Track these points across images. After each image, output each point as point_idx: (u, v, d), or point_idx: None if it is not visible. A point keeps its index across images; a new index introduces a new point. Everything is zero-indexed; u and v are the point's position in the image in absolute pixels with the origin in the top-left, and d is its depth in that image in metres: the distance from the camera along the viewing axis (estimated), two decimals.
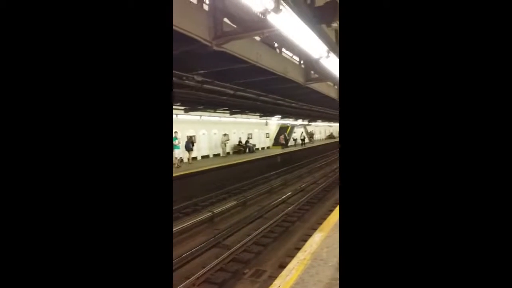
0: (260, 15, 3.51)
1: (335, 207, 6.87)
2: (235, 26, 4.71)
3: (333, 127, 41.16)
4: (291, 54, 8.96)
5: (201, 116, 15.56)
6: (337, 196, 10.29)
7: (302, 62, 8.57)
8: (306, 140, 28.45)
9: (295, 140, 27.27)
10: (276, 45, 7.72)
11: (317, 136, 34.97)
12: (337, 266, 3.35)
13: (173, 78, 6.33)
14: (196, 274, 4.71)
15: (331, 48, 4.55)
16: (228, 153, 18.32)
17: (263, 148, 23.38)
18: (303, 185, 11.87)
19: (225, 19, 4.61)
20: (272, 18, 2.99)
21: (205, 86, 7.39)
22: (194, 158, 15.51)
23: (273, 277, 4.20)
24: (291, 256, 4.49)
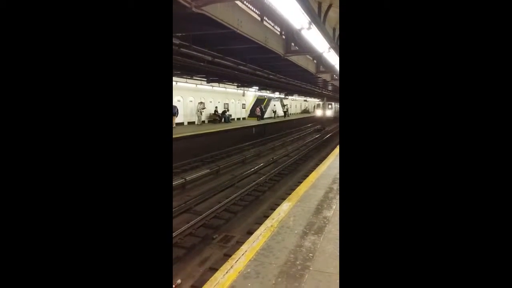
0: None
1: (304, 178, 7.09)
2: None
3: (309, 102, 41.35)
4: (272, 24, 8.76)
5: (176, 82, 15.09)
6: (306, 168, 10.61)
7: (283, 32, 8.41)
8: (281, 113, 28.82)
9: (274, 112, 27.38)
10: (258, 12, 7.50)
11: (292, 110, 35.18)
12: (302, 234, 3.52)
13: None
14: None
15: (313, 20, 4.49)
16: (203, 121, 18.10)
17: (238, 119, 23.29)
18: (276, 157, 12.07)
19: None
20: None
21: (182, 50, 7.11)
22: None
23: (241, 243, 4.35)
24: (260, 223, 4.64)
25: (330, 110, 30.51)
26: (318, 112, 30.40)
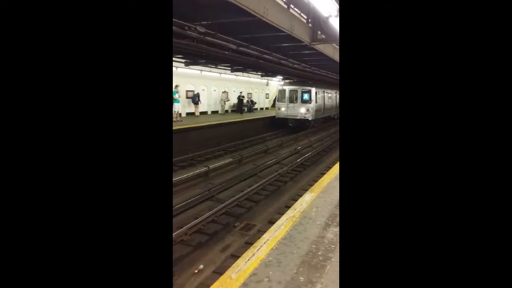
0: None
1: (327, 170, 7.00)
2: None
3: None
4: (299, 12, 8.58)
5: (201, 71, 15.21)
6: (330, 160, 10.46)
7: (309, 20, 8.23)
8: None
9: None
10: (284, 0, 7.36)
11: None
12: (324, 225, 3.49)
13: (174, 28, 6.07)
14: (189, 224, 4.89)
15: None
16: (226, 111, 18.20)
17: (261, 109, 23.25)
18: (299, 148, 11.98)
19: None
20: None
21: (208, 38, 7.12)
22: (192, 114, 15.46)
23: (262, 231, 4.38)
24: (281, 213, 4.64)
25: (305, 106, 15.16)
26: (282, 108, 15.52)
